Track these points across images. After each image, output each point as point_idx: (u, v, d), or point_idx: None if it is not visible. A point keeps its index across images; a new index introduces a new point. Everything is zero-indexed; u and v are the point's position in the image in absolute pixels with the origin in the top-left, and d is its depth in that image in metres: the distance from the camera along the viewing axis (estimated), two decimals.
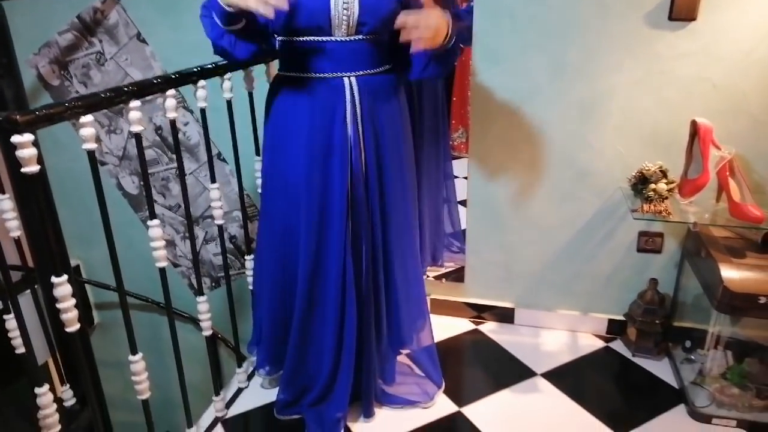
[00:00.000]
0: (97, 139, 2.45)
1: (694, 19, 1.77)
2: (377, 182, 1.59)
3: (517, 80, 1.97)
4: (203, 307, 1.70)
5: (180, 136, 2.38)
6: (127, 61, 2.34)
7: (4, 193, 1.50)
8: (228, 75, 1.71)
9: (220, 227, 1.76)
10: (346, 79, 1.48)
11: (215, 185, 1.71)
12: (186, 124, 2.38)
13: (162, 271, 1.52)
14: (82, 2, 2.29)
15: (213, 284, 2.64)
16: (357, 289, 1.62)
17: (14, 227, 1.63)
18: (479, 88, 2.02)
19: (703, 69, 1.82)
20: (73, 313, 1.21)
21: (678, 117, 1.86)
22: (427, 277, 2.33)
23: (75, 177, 2.57)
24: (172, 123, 1.51)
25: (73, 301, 1.21)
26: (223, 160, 2.40)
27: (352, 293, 1.61)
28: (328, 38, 1.44)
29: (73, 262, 2.77)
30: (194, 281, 2.71)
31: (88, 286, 2.87)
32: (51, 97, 2.49)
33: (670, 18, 1.78)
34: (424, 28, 1.35)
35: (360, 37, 1.46)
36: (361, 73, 1.49)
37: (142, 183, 2.56)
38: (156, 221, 1.46)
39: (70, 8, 2.31)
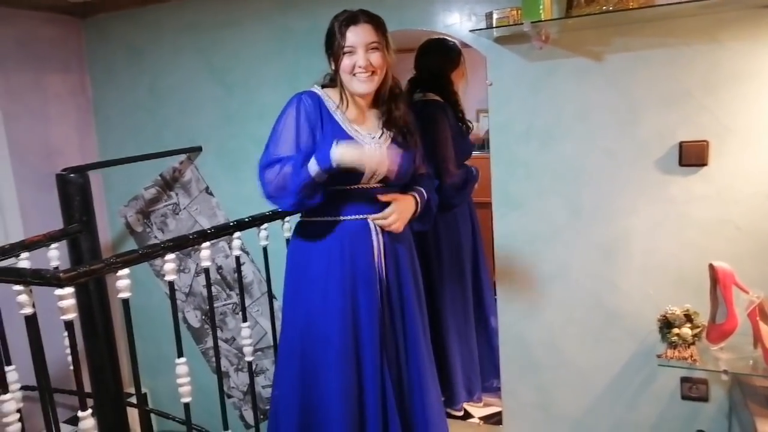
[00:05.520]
0: None
1: (705, 164, 1.80)
2: (400, 315, 1.68)
3: (536, 223, 2.05)
4: None
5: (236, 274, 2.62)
6: (197, 210, 2.69)
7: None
8: (264, 225, 1.94)
9: (249, 363, 1.90)
10: (370, 221, 1.63)
11: (246, 324, 1.87)
12: (243, 263, 2.62)
13: (186, 406, 1.66)
14: (165, 163, 2.71)
15: (261, 416, 2.72)
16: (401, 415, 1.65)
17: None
18: (502, 231, 2.11)
19: (722, 212, 1.81)
20: None
21: (704, 259, 1.82)
22: (463, 414, 2.30)
23: (148, 312, 2.86)
24: (206, 270, 1.72)
25: None
26: (273, 297, 2.59)
27: (396, 420, 1.63)
28: (355, 187, 1.60)
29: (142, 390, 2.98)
30: (245, 413, 2.81)
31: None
32: (135, 242, 2.88)
33: (681, 164, 1.83)
34: (394, 220, 1.63)
35: (382, 185, 1.63)
36: None
37: (204, 317, 2.80)
38: (183, 359, 1.62)
39: (154, 169, 2.74)
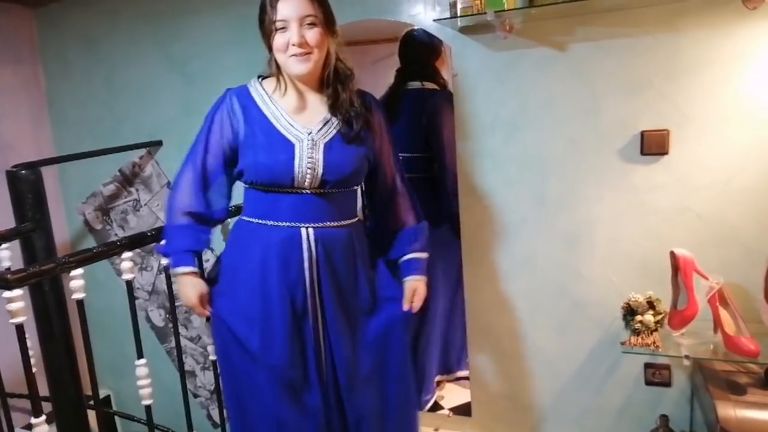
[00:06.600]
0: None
1: (666, 153, 1.82)
2: (339, 335, 1.54)
3: (502, 213, 2.05)
4: None
5: None
6: (158, 206, 2.62)
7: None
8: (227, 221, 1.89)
9: (213, 362, 1.86)
10: (303, 230, 1.48)
11: (142, 361, 1.67)
12: (207, 261, 2.56)
13: (148, 408, 1.61)
14: (124, 158, 2.63)
15: (228, 415, 2.67)
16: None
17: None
18: (468, 221, 2.10)
19: (682, 199, 1.83)
20: None
21: (666, 246, 1.84)
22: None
23: (111, 311, 2.78)
24: (166, 268, 1.67)
25: None
26: None
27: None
28: (289, 191, 1.47)
29: (104, 393, 2.91)
30: (212, 412, 2.77)
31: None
32: (94, 240, 2.79)
33: (642, 153, 1.84)
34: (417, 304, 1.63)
35: (322, 190, 1.48)
36: (320, 225, 1.49)
37: (168, 315, 2.74)
38: (143, 360, 1.58)
39: (113, 164, 2.66)
